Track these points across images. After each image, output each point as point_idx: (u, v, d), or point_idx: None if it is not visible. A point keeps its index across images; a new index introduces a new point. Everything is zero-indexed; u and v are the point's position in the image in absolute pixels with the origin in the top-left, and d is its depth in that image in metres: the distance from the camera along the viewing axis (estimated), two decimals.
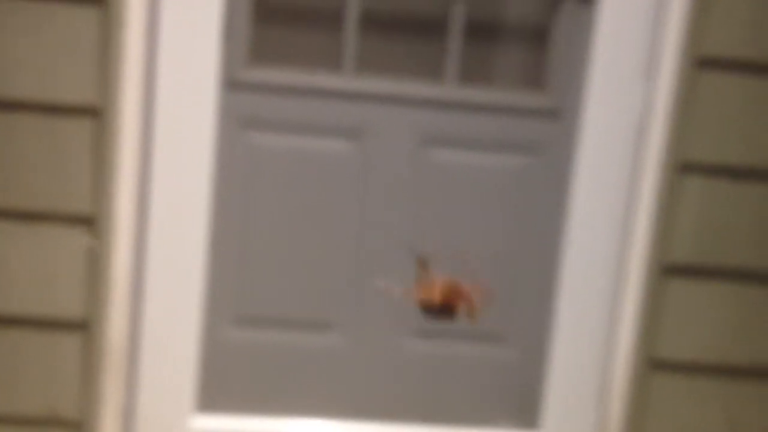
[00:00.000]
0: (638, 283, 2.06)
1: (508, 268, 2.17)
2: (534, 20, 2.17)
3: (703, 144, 1.99)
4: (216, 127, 2.00)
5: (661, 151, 2.00)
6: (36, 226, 1.90)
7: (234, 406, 2.18)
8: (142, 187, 1.98)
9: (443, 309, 1.06)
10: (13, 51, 1.82)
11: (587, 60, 2.04)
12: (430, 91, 2.12)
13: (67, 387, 1.97)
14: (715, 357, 2.09)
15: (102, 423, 2.01)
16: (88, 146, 1.88)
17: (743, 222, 2.03)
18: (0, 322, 1.93)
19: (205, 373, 2.13)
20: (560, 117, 2.14)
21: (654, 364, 2.09)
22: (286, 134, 2.11)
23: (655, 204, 2.02)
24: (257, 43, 2.07)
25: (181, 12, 1.92)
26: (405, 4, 2.14)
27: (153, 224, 2.01)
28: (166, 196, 2.00)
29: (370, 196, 2.14)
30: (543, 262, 2.17)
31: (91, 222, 1.91)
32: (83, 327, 1.95)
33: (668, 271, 2.05)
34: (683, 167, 2.00)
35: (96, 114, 1.87)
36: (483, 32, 2.15)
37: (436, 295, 1.06)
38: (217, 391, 2.16)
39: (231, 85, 2.04)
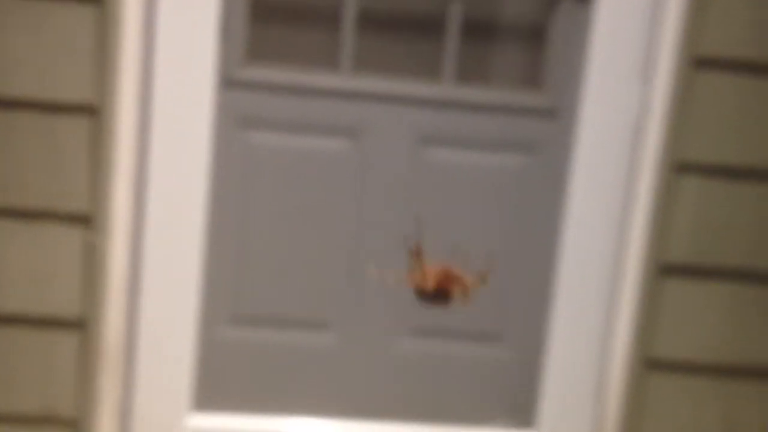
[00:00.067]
0: (635, 282, 2.07)
1: (505, 267, 2.17)
2: (531, 20, 2.17)
3: (700, 144, 1.99)
4: (213, 125, 2.00)
5: (658, 151, 2.00)
6: (33, 224, 1.90)
7: (231, 404, 2.18)
8: (139, 186, 1.98)
9: (437, 294, 1.06)
10: (10, 49, 1.82)
11: (584, 59, 2.04)
12: (428, 90, 2.12)
13: (64, 386, 1.97)
14: (711, 357, 2.09)
15: (99, 421, 2.01)
16: (85, 145, 1.88)
17: (740, 222, 2.03)
18: None
19: (201, 372, 2.13)
20: (557, 116, 2.14)
21: (651, 364, 2.09)
22: (283, 133, 2.11)
23: (652, 203, 2.02)
24: (254, 42, 2.07)
25: (178, 11, 1.92)
26: (402, 3, 2.14)
27: (150, 223, 2.01)
28: (163, 195, 2.00)
29: (367, 195, 2.14)
30: (540, 262, 2.17)
31: (88, 220, 1.91)
32: (80, 326, 1.95)
33: (665, 270, 2.05)
34: (680, 167, 2.00)
35: (93, 112, 1.87)
36: (480, 31, 2.15)
37: (429, 280, 1.06)
38: (214, 389, 2.16)
39: (228, 83, 2.04)
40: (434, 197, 2.15)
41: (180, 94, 1.96)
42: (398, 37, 2.15)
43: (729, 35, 1.94)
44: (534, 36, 2.16)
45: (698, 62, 1.95)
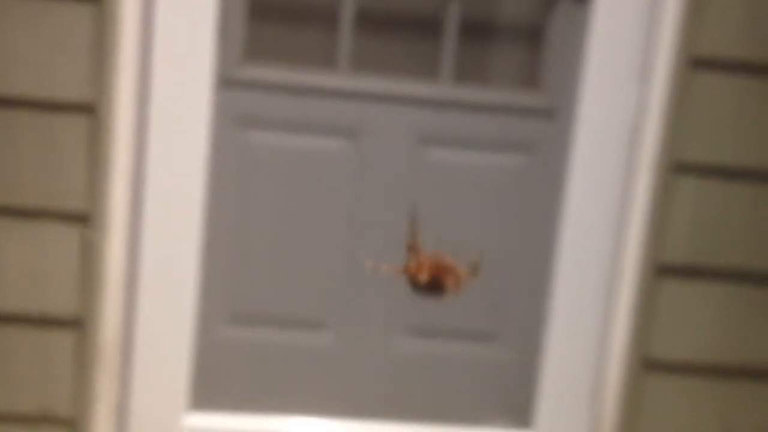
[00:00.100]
0: (632, 282, 2.07)
1: (502, 267, 2.17)
2: (529, 20, 2.17)
3: (698, 144, 2.00)
4: (211, 125, 2.00)
5: (656, 151, 2.00)
6: (30, 222, 1.90)
7: (228, 404, 2.18)
8: (136, 185, 1.98)
9: (431, 286, 1.06)
10: (8, 48, 1.82)
11: (582, 60, 2.05)
12: (426, 90, 2.12)
13: (61, 384, 1.97)
14: (708, 357, 2.10)
15: (96, 420, 2.00)
16: (83, 143, 1.88)
17: (737, 222, 2.03)
18: None
19: (199, 371, 2.13)
20: (555, 116, 2.14)
21: (647, 364, 2.09)
22: (281, 133, 2.11)
23: (649, 204, 2.03)
24: (252, 41, 2.07)
25: (176, 10, 1.92)
26: (401, 2, 2.14)
27: (147, 222, 2.01)
28: (160, 194, 2.00)
29: (365, 195, 2.14)
30: (537, 261, 2.17)
31: (85, 219, 1.91)
32: (77, 324, 1.95)
33: (662, 271, 2.05)
34: (677, 167, 2.00)
35: (91, 111, 1.87)
36: (478, 31, 2.15)
37: (423, 272, 1.06)
38: (212, 389, 2.16)
39: (226, 83, 2.04)
40: (432, 197, 2.15)
41: (178, 93, 1.96)
42: (396, 36, 2.15)
43: (726, 36, 1.94)
44: (532, 36, 2.16)
45: (695, 62, 1.96)
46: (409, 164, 2.14)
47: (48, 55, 1.83)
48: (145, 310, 2.05)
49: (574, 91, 2.07)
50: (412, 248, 1.08)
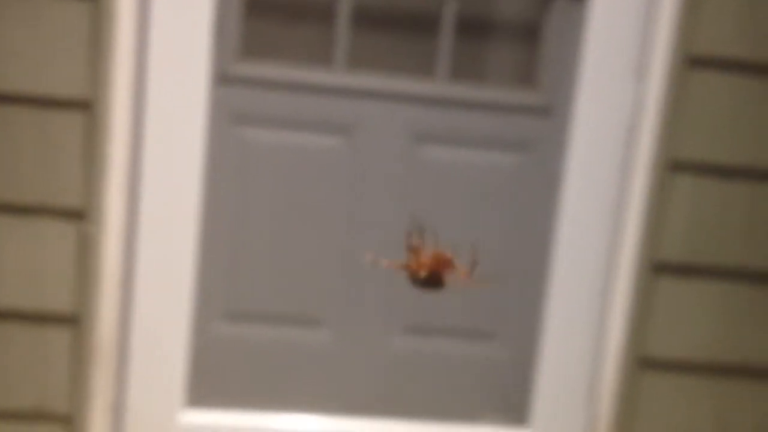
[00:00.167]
0: (628, 281, 2.07)
1: (499, 266, 2.17)
2: (526, 17, 2.17)
3: (694, 142, 2.00)
4: (207, 121, 2.00)
5: (652, 149, 2.00)
6: (26, 219, 1.90)
7: (224, 401, 2.18)
8: (132, 182, 1.98)
9: (430, 279, 1.06)
10: (5, 44, 1.82)
11: (579, 57, 2.05)
12: (422, 87, 2.12)
13: (57, 381, 1.97)
14: (704, 355, 2.10)
15: (91, 417, 2.01)
16: (79, 140, 1.88)
17: (733, 220, 2.03)
18: None
19: (195, 368, 2.13)
20: (551, 114, 2.14)
21: (644, 363, 2.09)
22: (277, 129, 2.11)
23: (645, 202, 2.03)
24: (248, 38, 2.07)
25: (172, 6, 1.92)
26: (397, 0, 2.14)
27: (143, 219, 2.01)
28: (156, 191, 2.00)
29: (361, 192, 2.14)
30: (533, 260, 2.17)
31: (82, 216, 1.91)
32: (73, 321, 1.95)
33: (658, 269, 2.05)
34: (674, 165, 2.00)
35: (87, 107, 1.87)
36: (475, 29, 2.15)
37: (422, 265, 1.06)
38: (208, 386, 2.16)
39: (222, 79, 2.04)
40: (428, 195, 2.15)
41: (174, 89, 1.96)
42: (393, 34, 2.15)
43: (723, 34, 1.94)
44: (528, 34, 2.16)
45: (692, 61, 1.95)
46: (405, 162, 2.14)
47: (45, 52, 1.84)
48: (142, 307, 2.05)
49: (571, 89, 2.07)
50: (414, 249, 1.08)
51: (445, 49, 2.11)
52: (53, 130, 1.87)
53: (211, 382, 2.17)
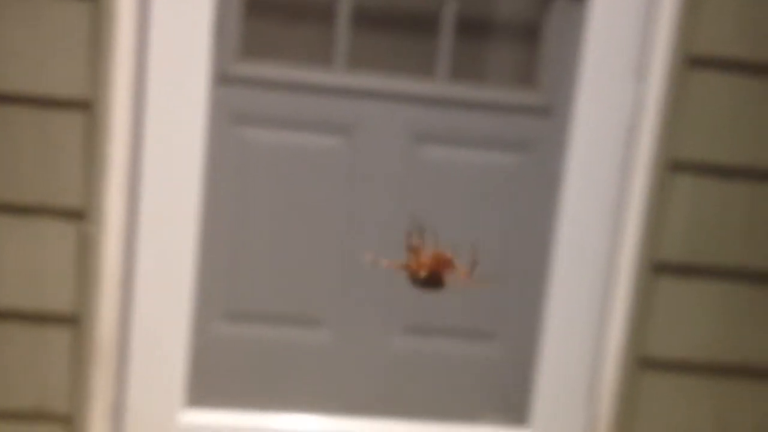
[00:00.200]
0: (628, 280, 2.07)
1: (499, 266, 2.17)
2: (526, 17, 2.17)
3: (694, 142, 2.00)
4: (206, 121, 2.00)
5: (652, 149, 2.00)
6: (26, 219, 1.90)
7: (224, 401, 2.18)
8: (132, 182, 1.98)
9: (430, 279, 1.06)
10: (5, 44, 1.82)
11: (579, 57, 2.05)
12: (422, 87, 2.12)
13: (57, 381, 1.97)
14: (704, 355, 2.09)
15: (92, 417, 2.01)
16: (79, 140, 1.88)
17: (733, 220, 2.03)
18: None
19: (195, 368, 2.13)
20: (551, 114, 2.14)
21: (644, 363, 2.09)
22: (277, 129, 2.11)
23: (645, 202, 2.03)
24: (248, 38, 2.07)
25: (172, 6, 1.92)
26: (397, 0, 2.14)
27: (143, 219, 2.01)
28: (156, 191, 2.00)
29: (361, 192, 2.14)
30: (533, 259, 2.17)
31: (81, 216, 1.91)
32: (73, 321, 1.95)
33: (658, 269, 2.05)
34: (674, 165, 2.00)
35: (87, 107, 1.87)
36: (475, 29, 2.15)
37: (422, 265, 1.06)
38: (208, 386, 2.16)
39: (222, 79, 2.04)
40: (428, 194, 2.15)
41: (174, 89, 1.96)
42: (392, 34, 2.15)
43: (723, 34, 1.94)
44: (528, 34, 2.16)
45: (692, 61, 1.95)
46: (405, 161, 2.14)
47: (45, 52, 1.84)
48: (142, 307, 2.05)
49: (571, 89, 2.07)
50: (413, 249, 1.07)
51: (445, 49, 2.11)
52: (53, 130, 1.87)
53: (211, 382, 2.17)
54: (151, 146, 1.97)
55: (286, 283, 2.17)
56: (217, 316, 2.17)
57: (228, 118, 2.08)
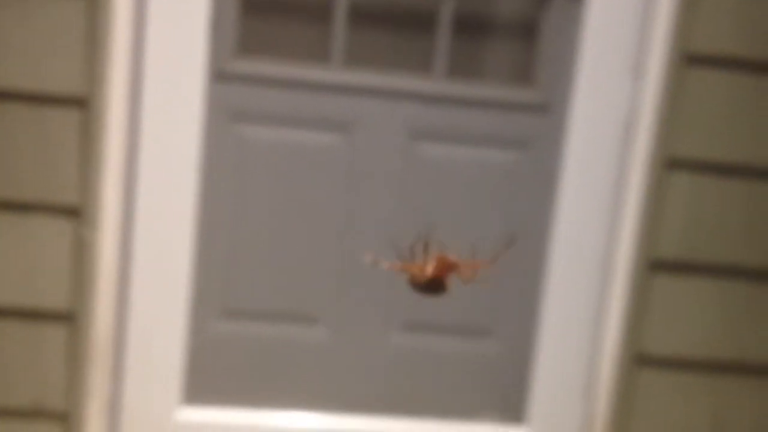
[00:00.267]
0: (625, 278, 2.07)
1: (495, 263, 2.16)
2: (523, 15, 2.17)
3: (691, 140, 2.00)
4: (203, 118, 2.00)
5: (649, 147, 2.00)
6: (22, 216, 1.89)
7: (221, 398, 2.18)
8: (129, 179, 1.98)
9: (432, 284, 1.05)
10: (1, 40, 1.82)
11: (576, 55, 2.05)
12: (419, 85, 2.12)
13: (53, 379, 1.97)
14: (701, 353, 2.10)
15: (88, 415, 2.00)
16: (76, 137, 1.88)
17: (730, 218, 2.03)
18: None
19: (191, 366, 2.12)
20: (549, 112, 2.14)
21: (640, 360, 2.09)
22: (274, 127, 2.10)
23: (642, 199, 2.03)
24: (245, 35, 2.06)
25: (168, 3, 1.92)
26: None
27: (140, 216, 2.00)
28: (153, 188, 2.00)
29: (358, 190, 2.14)
30: (530, 257, 2.17)
31: (77, 213, 1.91)
32: (69, 318, 1.95)
33: (655, 266, 2.05)
34: (671, 163, 2.00)
35: (83, 104, 1.87)
36: (472, 27, 2.15)
37: (425, 270, 1.04)
38: (204, 383, 2.16)
39: (219, 76, 2.04)
40: (426, 191, 2.15)
41: (171, 86, 1.95)
42: (390, 31, 2.15)
43: (720, 32, 1.94)
44: (526, 31, 2.16)
45: (689, 59, 1.95)
46: (402, 159, 2.13)
47: (41, 49, 1.83)
48: (138, 304, 2.05)
49: (568, 87, 2.07)
50: (419, 253, 1.06)
51: (442, 46, 2.11)
52: (49, 127, 1.86)
53: (208, 380, 2.17)
54: (148, 143, 1.97)
55: (284, 280, 2.17)
56: (214, 313, 2.16)
57: (225, 116, 2.07)
